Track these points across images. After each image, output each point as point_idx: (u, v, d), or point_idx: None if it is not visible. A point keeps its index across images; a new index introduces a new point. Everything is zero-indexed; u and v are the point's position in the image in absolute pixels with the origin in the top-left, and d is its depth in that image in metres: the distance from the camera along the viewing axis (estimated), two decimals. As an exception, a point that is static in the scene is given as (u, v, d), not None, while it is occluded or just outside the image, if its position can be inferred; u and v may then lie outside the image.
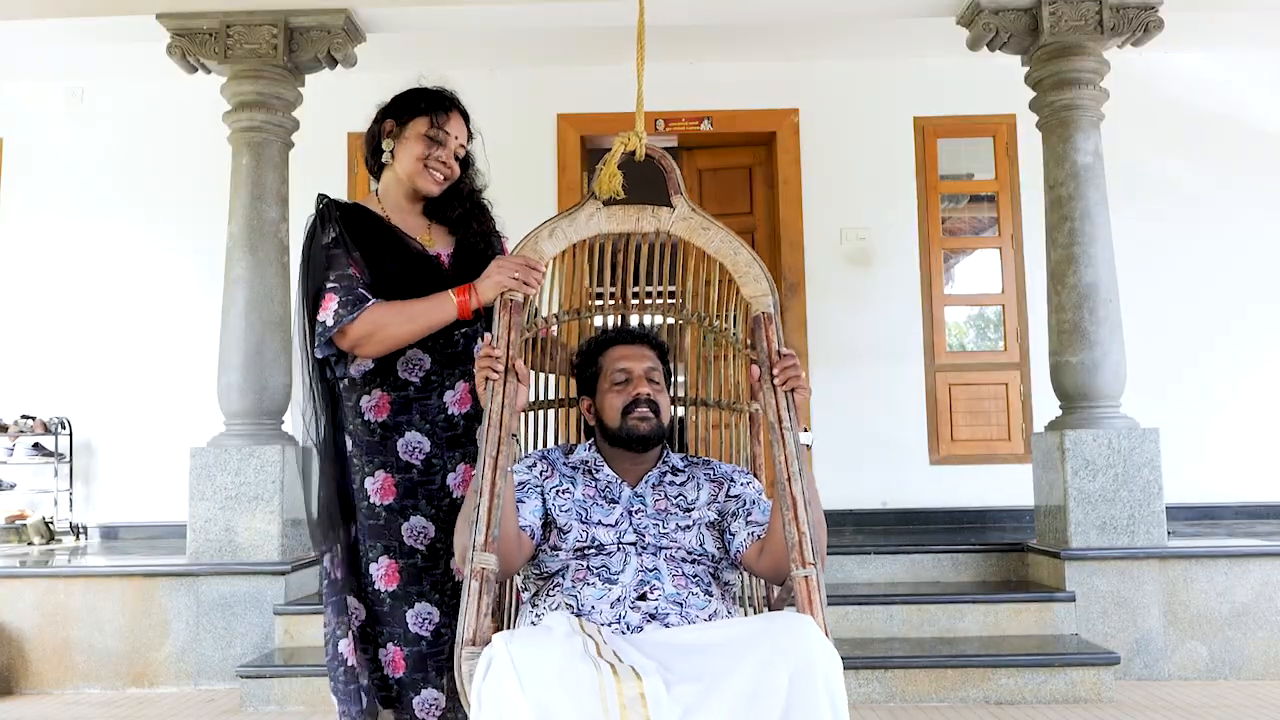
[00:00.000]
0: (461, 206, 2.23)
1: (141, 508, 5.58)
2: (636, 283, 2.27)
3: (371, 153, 2.24)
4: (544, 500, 2.02)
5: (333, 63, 4.36)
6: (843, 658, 3.42)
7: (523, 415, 2.28)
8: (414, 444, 2.14)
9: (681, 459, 2.15)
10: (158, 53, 4.40)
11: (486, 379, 1.91)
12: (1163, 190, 5.69)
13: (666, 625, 1.84)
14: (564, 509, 2.01)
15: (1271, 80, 5.79)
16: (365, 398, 2.15)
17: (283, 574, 3.97)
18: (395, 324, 2.04)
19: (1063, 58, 4.14)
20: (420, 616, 2.12)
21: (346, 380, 2.16)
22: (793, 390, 1.94)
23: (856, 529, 5.26)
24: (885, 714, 3.45)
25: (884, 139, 5.81)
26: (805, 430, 1.93)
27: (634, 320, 2.34)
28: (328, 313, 2.04)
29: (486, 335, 2.02)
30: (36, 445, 5.55)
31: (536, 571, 2.02)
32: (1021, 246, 5.75)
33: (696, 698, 1.56)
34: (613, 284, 2.28)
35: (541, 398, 2.35)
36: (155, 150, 5.84)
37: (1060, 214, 4.18)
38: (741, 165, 6.11)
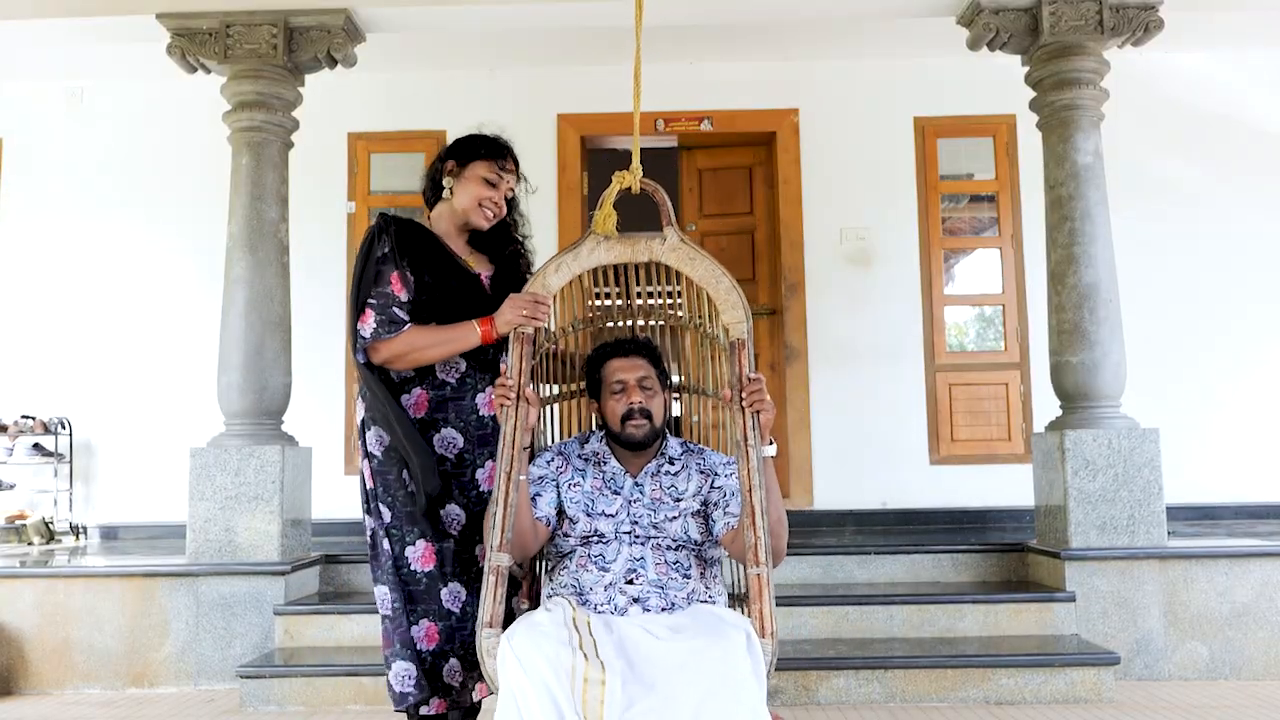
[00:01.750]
0: (512, 245, 2.60)
1: (141, 508, 5.58)
2: (638, 291, 2.55)
3: (431, 187, 2.56)
4: (558, 492, 2.36)
5: (333, 63, 4.36)
6: (843, 658, 3.54)
7: (539, 423, 2.56)
8: (449, 439, 2.43)
9: (680, 446, 2.45)
10: (158, 53, 4.40)
11: (502, 405, 2.26)
12: (1163, 190, 5.70)
13: (647, 608, 2.20)
14: (574, 500, 2.34)
15: (1271, 80, 5.79)
16: (405, 395, 2.42)
17: (283, 574, 3.97)
18: (428, 347, 2.37)
19: (1063, 58, 4.14)
20: (452, 594, 2.41)
21: (390, 377, 2.43)
22: (757, 412, 2.21)
23: (856, 529, 5.26)
24: (885, 714, 3.45)
25: (884, 139, 5.82)
26: (770, 443, 2.23)
27: (639, 324, 2.64)
28: (366, 326, 2.36)
29: (503, 366, 2.34)
30: (36, 445, 5.55)
31: (555, 549, 2.39)
32: (1021, 246, 5.75)
33: (639, 700, 1.92)
34: (618, 295, 2.54)
35: (555, 391, 2.67)
36: (155, 150, 5.84)
37: (1060, 214, 4.18)
38: (741, 165, 6.11)
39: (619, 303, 2.57)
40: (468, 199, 2.47)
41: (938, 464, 5.64)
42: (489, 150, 2.49)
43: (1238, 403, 5.62)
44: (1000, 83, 5.33)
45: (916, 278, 5.76)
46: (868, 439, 5.58)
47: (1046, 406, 4.51)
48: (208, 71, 4.36)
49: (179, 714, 3.61)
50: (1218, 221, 5.70)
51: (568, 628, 2.04)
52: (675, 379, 2.57)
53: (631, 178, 2.45)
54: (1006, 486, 5.39)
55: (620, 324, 2.64)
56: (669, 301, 2.59)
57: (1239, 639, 3.87)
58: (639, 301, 2.57)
